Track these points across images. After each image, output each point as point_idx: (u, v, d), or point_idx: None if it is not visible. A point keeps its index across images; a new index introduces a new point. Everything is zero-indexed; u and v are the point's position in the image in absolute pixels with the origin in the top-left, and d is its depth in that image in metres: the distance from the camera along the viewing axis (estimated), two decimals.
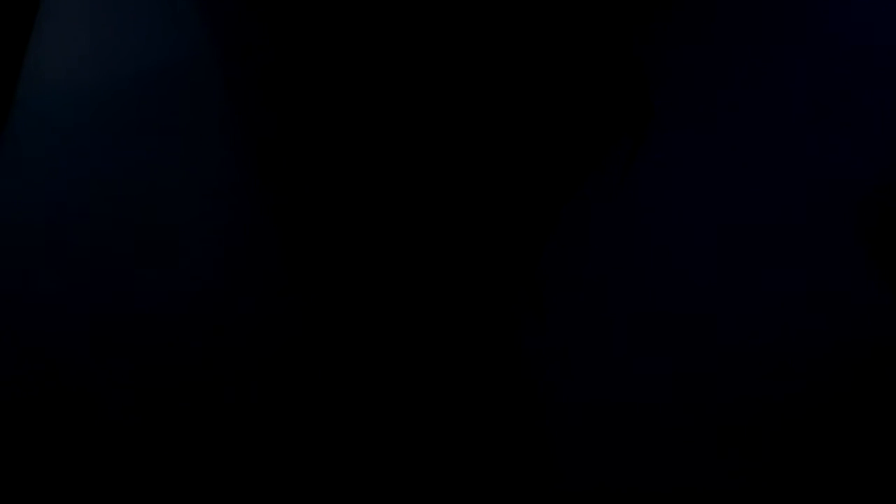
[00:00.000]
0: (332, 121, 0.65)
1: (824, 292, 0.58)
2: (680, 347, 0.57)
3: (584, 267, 0.59)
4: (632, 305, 0.58)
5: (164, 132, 0.65)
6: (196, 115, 0.66)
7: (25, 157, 0.65)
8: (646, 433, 0.55)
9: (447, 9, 0.67)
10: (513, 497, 0.55)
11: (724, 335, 0.57)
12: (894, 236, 0.58)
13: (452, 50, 0.66)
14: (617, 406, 0.56)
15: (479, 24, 0.66)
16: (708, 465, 0.55)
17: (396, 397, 0.57)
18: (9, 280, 0.61)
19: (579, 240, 0.60)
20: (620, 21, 0.64)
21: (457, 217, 0.61)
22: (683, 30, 0.66)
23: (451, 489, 0.55)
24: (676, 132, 0.63)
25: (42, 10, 0.70)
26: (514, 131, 0.63)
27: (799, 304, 0.58)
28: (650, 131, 0.62)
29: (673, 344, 0.57)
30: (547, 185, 0.61)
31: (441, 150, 0.64)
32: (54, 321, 0.60)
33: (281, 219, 0.62)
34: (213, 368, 0.59)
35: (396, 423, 0.57)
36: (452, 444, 0.56)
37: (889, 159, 0.61)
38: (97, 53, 0.68)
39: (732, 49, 0.66)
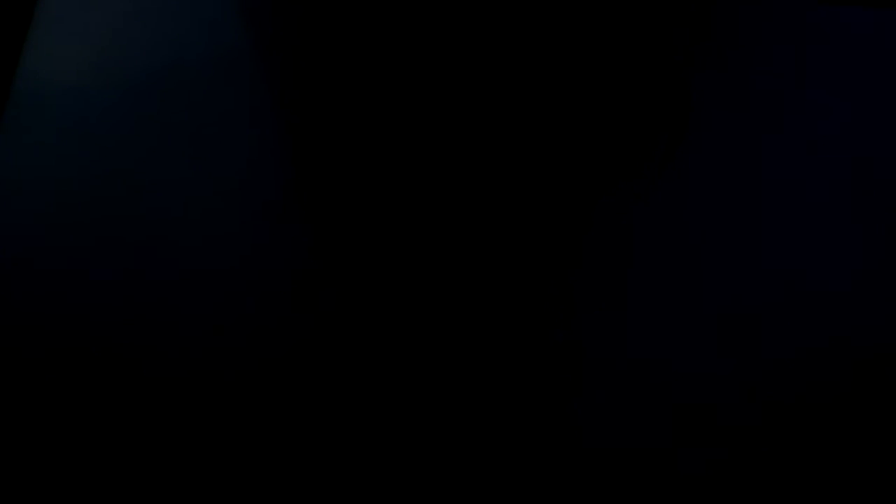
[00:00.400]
0: (362, 117, 0.65)
1: (867, 293, 0.58)
2: (719, 347, 0.57)
3: (618, 265, 0.59)
4: (664, 303, 0.58)
5: (176, 128, 0.65)
6: (211, 112, 0.65)
7: (23, 148, 0.64)
8: (673, 434, 0.55)
9: (479, 6, 0.67)
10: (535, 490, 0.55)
11: (765, 335, 0.58)
12: None
13: (483, 46, 0.66)
14: (643, 404, 0.56)
15: (515, 21, 0.66)
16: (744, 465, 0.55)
17: (417, 394, 0.57)
18: (10, 274, 0.61)
19: (613, 238, 0.60)
20: (659, 18, 0.64)
21: (489, 214, 0.61)
22: (720, 25, 0.66)
23: (470, 484, 0.55)
24: (714, 130, 0.63)
25: (40, 4, 0.69)
26: (549, 127, 0.63)
27: (839, 304, 0.58)
28: (688, 128, 0.62)
29: (711, 343, 0.57)
30: (582, 182, 0.61)
31: (472, 147, 0.64)
32: (58, 310, 0.60)
33: (304, 216, 0.62)
34: (218, 367, 0.59)
35: (414, 419, 0.57)
36: (473, 441, 0.56)
37: None
38: (106, 49, 0.68)
39: (772, 48, 0.66)
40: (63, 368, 0.59)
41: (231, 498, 0.55)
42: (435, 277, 0.60)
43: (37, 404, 0.58)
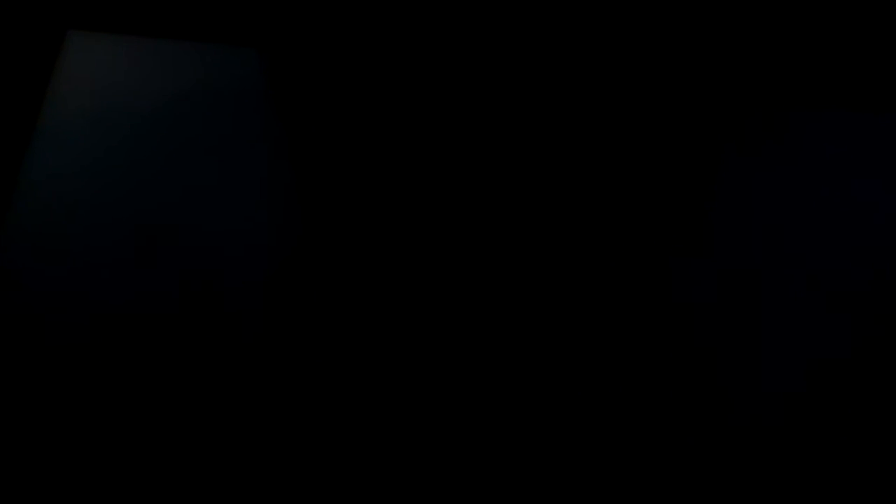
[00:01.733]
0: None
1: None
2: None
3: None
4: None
5: (194, 154, 0.66)
6: (235, 139, 0.66)
7: (50, 174, 0.65)
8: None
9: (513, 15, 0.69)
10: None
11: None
12: None
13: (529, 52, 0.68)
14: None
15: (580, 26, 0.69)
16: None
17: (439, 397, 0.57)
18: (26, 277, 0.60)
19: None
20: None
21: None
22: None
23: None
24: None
25: (67, 44, 0.70)
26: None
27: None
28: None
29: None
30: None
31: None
32: (63, 319, 0.60)
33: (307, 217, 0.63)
34: (217, 366, 0.58)
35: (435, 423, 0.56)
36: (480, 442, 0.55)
37: None
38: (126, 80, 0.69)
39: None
40: (66, 366, 0.59)
41: (232, 497, 0.54)
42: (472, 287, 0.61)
43: (38, 401, 0.58)
